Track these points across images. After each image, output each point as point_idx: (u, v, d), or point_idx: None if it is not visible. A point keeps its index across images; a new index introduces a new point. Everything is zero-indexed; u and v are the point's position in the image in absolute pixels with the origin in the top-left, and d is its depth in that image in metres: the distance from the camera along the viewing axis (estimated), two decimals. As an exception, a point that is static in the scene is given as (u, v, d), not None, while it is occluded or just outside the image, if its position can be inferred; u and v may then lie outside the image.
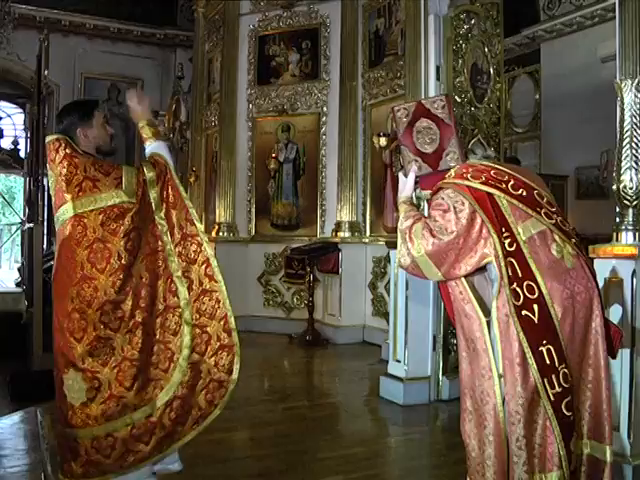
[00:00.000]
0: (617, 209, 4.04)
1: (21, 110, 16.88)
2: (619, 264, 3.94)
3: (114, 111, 15.23)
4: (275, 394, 6.73)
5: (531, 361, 2.72)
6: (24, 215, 15.36)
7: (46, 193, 8.87)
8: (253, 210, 10.39)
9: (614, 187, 4.05)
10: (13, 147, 16.91)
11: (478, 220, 2.83)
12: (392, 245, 6.27)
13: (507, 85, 13.80)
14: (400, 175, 3.20)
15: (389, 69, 8.79)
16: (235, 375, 3.44)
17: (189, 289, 3.38)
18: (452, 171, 3.02)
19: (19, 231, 16.88)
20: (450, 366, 6.15)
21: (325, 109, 9.95)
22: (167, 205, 3.40)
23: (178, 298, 3.36)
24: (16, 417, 5.58)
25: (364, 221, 9.42)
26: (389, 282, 7.27)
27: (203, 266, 3.43)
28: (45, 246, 10.67)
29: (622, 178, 3.96)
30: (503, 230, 2.82)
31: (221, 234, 10.34)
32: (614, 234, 4.04)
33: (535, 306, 2.75)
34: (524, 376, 2.74)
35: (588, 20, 13.30)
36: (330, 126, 9.82)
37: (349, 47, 9.49)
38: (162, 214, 3.36)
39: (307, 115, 10.11)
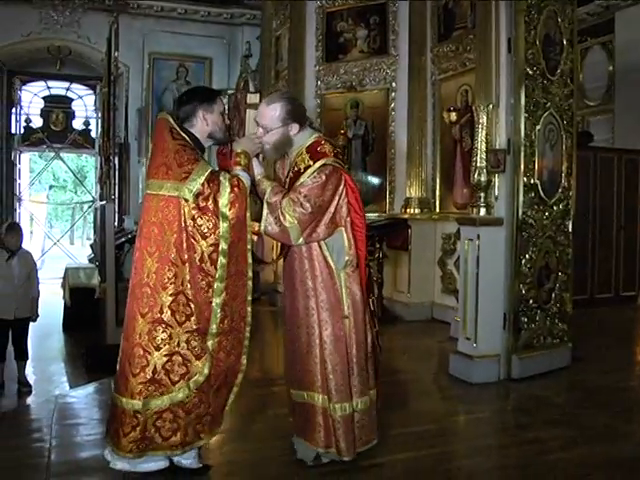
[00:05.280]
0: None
1: (91, 91, 17.25)
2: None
3: (183, 91, 15.39)
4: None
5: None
6: (96, 193, 15.71)
7: (117, 172, 9.05)
8: (321, 187, 10.35)
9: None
10: (84, 127, 17.33)
11: (338, 198, 3.69)
12: (463, 221, 6.17)
13: (579, 57, 13.44)
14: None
15: (459, 43, 8.62)
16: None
17: (221, 322, 3.39)
18: (326, 146, 3.77)
19: (90, 209, 17.32)
20: (521, 344, 6.05)
21: (394, 85, 9.79)
22: (234, 237, 3.37)
23: (209, 324, 3.37)
24: (90, 388, 5.79)
25: (434, 197, 9.26)
26: (458, 259, 7.17)
27: (240, 304, 3.46)
28: (116, 223, 10.90)
29: None
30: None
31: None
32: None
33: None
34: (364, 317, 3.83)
35: (667, -14, 12.84)
36: (399, 102, 9.68)
37: (418, 21, 9.31)
38: (226, 244, 3.33)
39: (376, 91, 9.98)
